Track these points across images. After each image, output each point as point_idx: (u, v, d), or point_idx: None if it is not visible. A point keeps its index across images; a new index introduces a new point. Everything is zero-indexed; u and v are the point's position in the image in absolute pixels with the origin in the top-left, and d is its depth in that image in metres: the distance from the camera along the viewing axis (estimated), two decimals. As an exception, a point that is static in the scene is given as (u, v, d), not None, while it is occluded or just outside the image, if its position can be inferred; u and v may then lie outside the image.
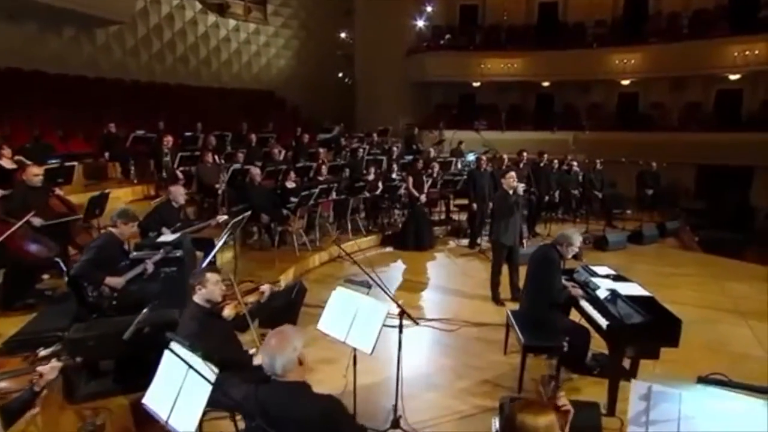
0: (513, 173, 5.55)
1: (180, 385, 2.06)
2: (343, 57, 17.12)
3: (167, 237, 4.58)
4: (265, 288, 3.25)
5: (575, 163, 9.81)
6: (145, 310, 2.96)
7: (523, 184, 5.53)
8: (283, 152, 9.46)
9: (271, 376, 1.98)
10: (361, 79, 16.73)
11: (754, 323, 5.14)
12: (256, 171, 7.03)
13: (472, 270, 6.83)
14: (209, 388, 1.94)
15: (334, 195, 7.59)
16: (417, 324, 3.14)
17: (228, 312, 3.00)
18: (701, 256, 8.20)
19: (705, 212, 12.26)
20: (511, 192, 5.36)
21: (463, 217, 8.77)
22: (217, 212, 6.85)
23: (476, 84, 15.75)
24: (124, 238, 3.95)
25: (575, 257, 4.30)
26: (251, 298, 3.17)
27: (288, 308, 4.37)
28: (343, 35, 17.09)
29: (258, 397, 1.92)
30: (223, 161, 7.11)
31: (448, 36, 15.67)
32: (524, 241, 6.94)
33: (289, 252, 6.75)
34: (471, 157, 11.63)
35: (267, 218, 6.79)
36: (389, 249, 7.88)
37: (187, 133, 8.64)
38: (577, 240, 3.82)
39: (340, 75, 17.02)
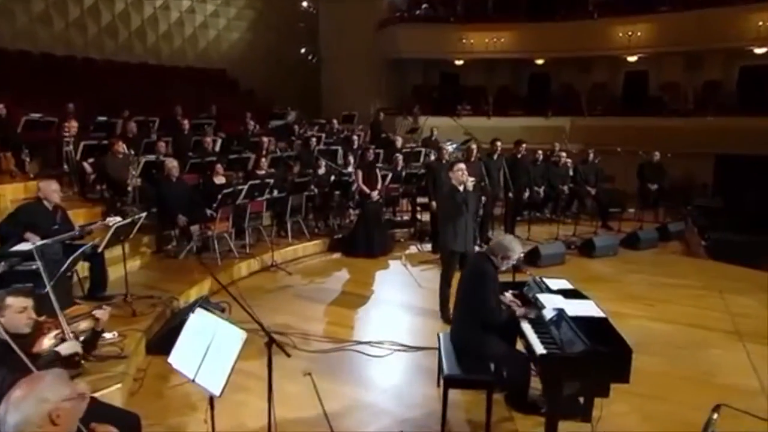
0: (462, 165, 5.34)
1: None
2: (305, 30, 16.83)
3: (25, 245, 4.25)
4: (101, 313, 2.94)
5: (564, 154, 9.60)
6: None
7: (473, 179, 5.33)
8: (219, 142, 9.21)
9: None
10: (327, 57, 16.56)
11: (753, 347, 4.92)
12: (172, 164, 6.75)
13: (427, 280, 6.63)
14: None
15: (271, 192, 7.37)
16: (288, 356, 2.84)
17: (48, 345, 2.69)
18: (706, 263, 8.02)
19: (720, 211, 12.08)
20: (460, 188, 5.17)
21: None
22: (126, 212, 6.58)
23: (459, 62, 15.59)
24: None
25: (516, 269, 4.05)
26: (83, 325, 2.86)
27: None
28: (305, 4, 16.82)
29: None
30: (133, 152, 6.76)
31: (424, 5, 15.46)
32: (476, 247, 6.75)
33: (210, 260, 6.56)
34: (451, 147, 11.44)
35: (184, 220, 6.53)
36: (337, 255, 7.73)
37: (101, 118, 8.29)
38: (517, 250, 3.57)
39: (303, 51, 16.72)
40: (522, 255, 6.72)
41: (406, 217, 9.22)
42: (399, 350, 4.65)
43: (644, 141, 11.36)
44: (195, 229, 6.71)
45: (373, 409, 3.79)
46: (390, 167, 9.20)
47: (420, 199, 8.82)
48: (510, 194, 8.08)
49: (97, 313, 2.93)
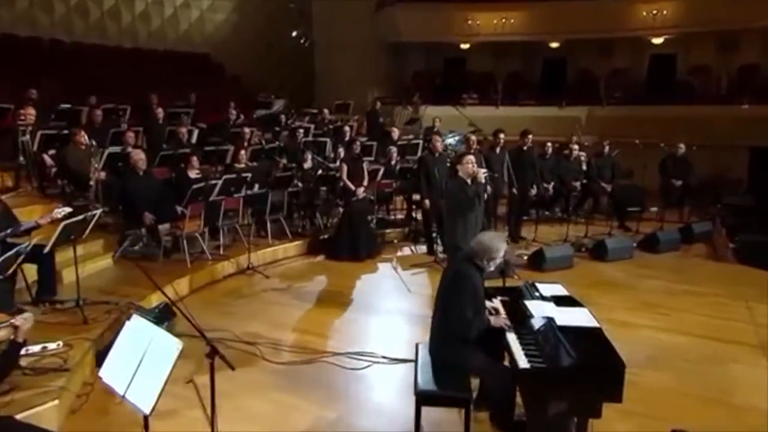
0: (471, 157, 5.40)
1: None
2: (297, 12, 16.76)
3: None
4: (21, 320, 2.87)
5: (576, 147, 9.49)
6: None
7: (485, 170, 5.36)
8: (196, 132, 9.19)
9: None
10: (321, 41, 16.48)
11: (777, 363, 4.81)
12: (139, 155, 6.72)
13: (418, 285, 6.60)
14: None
15: (251, 188, 7.33)
16: (233, 369, 2.74)
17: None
18: (733, 268, 7.87)
19: (752, 210, 11.88)
20: (469, 181, 5.18)
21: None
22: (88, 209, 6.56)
23: (465, 46, 15.51)
24: None
25: (502, 272, 3.98)
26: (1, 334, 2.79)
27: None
28: (296, -18, 16.80)
29: None
30: (94, 142, 6.73)
31: (426, -17, 15.42)
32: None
33: (179, 262, 6.55)
34: (451, 140, 11.40)
35: (151, 218, 6.49)
36: (320, 258, 7.70)
37: (63, 106, 8.27)
38: (501, 248, 3.48)
39: (294, 35, 16.66)
40: (526, 257, 6.68)
41: (401, 216, 9.17)
42: (379, 362, 4.60)
43: (670, 132, 11.12)
44: (164, 228, 6.66)
45: (341, 427, 3.72)
46: (384, 161, 9.15)
47: (416, 196, 8.71)
48: (514, 191, 7.99)
49: (16, 320, 2.86)
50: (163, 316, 4.75)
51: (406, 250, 8.08)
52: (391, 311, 5.83)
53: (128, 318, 2.87)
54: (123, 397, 2.60)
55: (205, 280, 6.48)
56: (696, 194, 10.23)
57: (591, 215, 9.41)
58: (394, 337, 5.11)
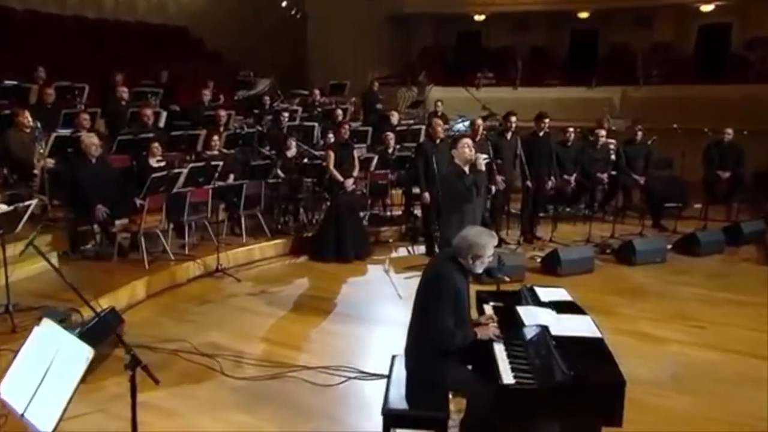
0: (468, 140, 5.38)
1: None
2: (287, -21, 16.80)
3: None
4: None
5: (603, 133, 9.34)
6: None
7: (485, 156, 5.35)
8: (163, 115, 9.18)
9: None
10: (315, 13, 16.48)
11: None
12: (91, 140, 6.70)
13: (411, 290, 6.38)
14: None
15: (224, 178, 7.33)
16: (157, 382, 2.65)
17: None
18: (786, 275, 7.70)
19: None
20: (466, 169, 5.16)
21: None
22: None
23: (480, 18, 15.42)
24: None
25: (490, 274, 3.89)
26: None
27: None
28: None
29: None
30: (39, 125, 6.71)
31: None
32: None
33: (137, 263, 6.55)
34: (461, 125, 11.34)
35: (104, 211, 6.48)
36: (303, 259, 7.71)
37: (9, 82, 8.29)
38: (488, 244, 3.39)
39: (284, 5, 16.66)
40: (539, 260, 6.59)
41: (398, 212, 9.10)
42: (355, 378, 4.57)
43: (717, 115, 11.02)
44: (121, 224, 6.63)
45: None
46: (381, 149, 9.11)
47: (416, 190, 8.64)
48: (528, 183, 7.90)
49: None
50: (105, 324, 4.68)
51: (402, 251, 8.05)
52: (377, 320, 5.80)
53: (38, 323, 2.79)
54: (22, 416, 2.52)
55: (166, 283, 6.47)
56: (747, 188, 10.03)
57: (621, 212, 9.31)
58: (377, 350, 5.03)
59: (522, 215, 8.29)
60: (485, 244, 3.39)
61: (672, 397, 4.32)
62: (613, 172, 9.29)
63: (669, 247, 7.97)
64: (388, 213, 9.03)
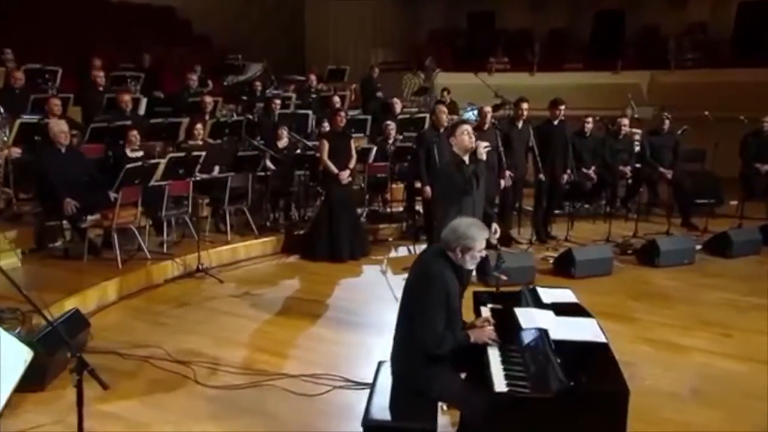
0: (466, 126, 5.31)
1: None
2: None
3: None
4: None
5: (626, 122, 9.30)
6: None
7: (486, 143, 5.29)
8: (144, 102, 9.23)
9: None
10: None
11: None
12: (59, 127, 6.73)
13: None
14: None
15: (209, 171, 7.35)
16: (105, 388, 2.62)
17: None
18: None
19: None
20: (465, 159, 5.15)
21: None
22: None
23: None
24: None
25: (483, 272, 3.85)
26: None
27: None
28: None
29: None
30: (2, 111, 6.75)
31: None
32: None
33: (108, 262, 6.59)
34: (471, 114, 11.35)
35: (73, 204, 6.46)
36: (295, 258, 7.77)
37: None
38: (478, 236, 3.35)
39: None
40: (551, 261, 6.56)
41: (399, 208, 9.14)
42: (341, 387, 4.56)
43: (756, 102, 10.95)
44: (92, 219, 6.65)
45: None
46: (380, 139, 9.14)
47: (418, 184, 8.65)
48: (541, 176, 7.87)
49: None
50: (64, 328, 4.66)
51: (403, 251, 8.07)
52: (370, 325, 5.77)
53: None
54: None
55: (140, 284, 6.51)
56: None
57: (646, 209, 9.28)
58: (368, 357, 4.98)
59: (535, 212, 8.26)
60: (475, 236, 3.34)
61: (691, 411, 4.27)
62: (637, 165, 9.28)
63: (698, 247, 7.93)
64: (388, 209, 9.05)
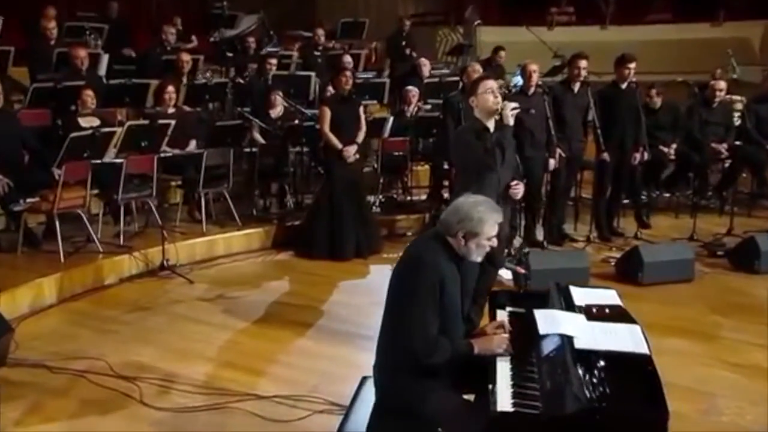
0: (491, 83, 5.25)
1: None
2: None
3: None
4: None
5: (722, 86, 9.13)
6: None
7: (514, 104, 5.29)
8: (105, 59, 9.36)
9: None
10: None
11: None
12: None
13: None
14: None
15: (186, 146, 7.54)
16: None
17: None
18: None
19: None
20: (489, 124, 5.14)
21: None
22: None
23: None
24: None
25: (492, 262, 3.76)
26: None
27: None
28: None
29: None
30: None
31: None
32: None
33: (49, 255, 6.72)
34: (519, 79, 11.33)
35: (5, 183, 6.56)
36: (286, 255, 7.88)
37: None
38: (486, 219, 3.30)
39: None
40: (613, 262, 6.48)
41: (423, 195, 9.19)
42: (322, 411, 4.60)
43: None
44: (29, 202, 6.71)
45: None
46: (400, 108, 9.19)
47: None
48: (604, 156, 7.77)
49: None
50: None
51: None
52: (368, 338, 5.58)
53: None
54: None
55: (87, 283, 6.62)
56: None
57: (751, 200, 9.27)
58: (359, 377, 4.99)
59: (595, 202, 8.18)
60: (483, 219, 3.29)
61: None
62: (737, 143, 9.16)
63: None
64: (408, 196, 9.10)
